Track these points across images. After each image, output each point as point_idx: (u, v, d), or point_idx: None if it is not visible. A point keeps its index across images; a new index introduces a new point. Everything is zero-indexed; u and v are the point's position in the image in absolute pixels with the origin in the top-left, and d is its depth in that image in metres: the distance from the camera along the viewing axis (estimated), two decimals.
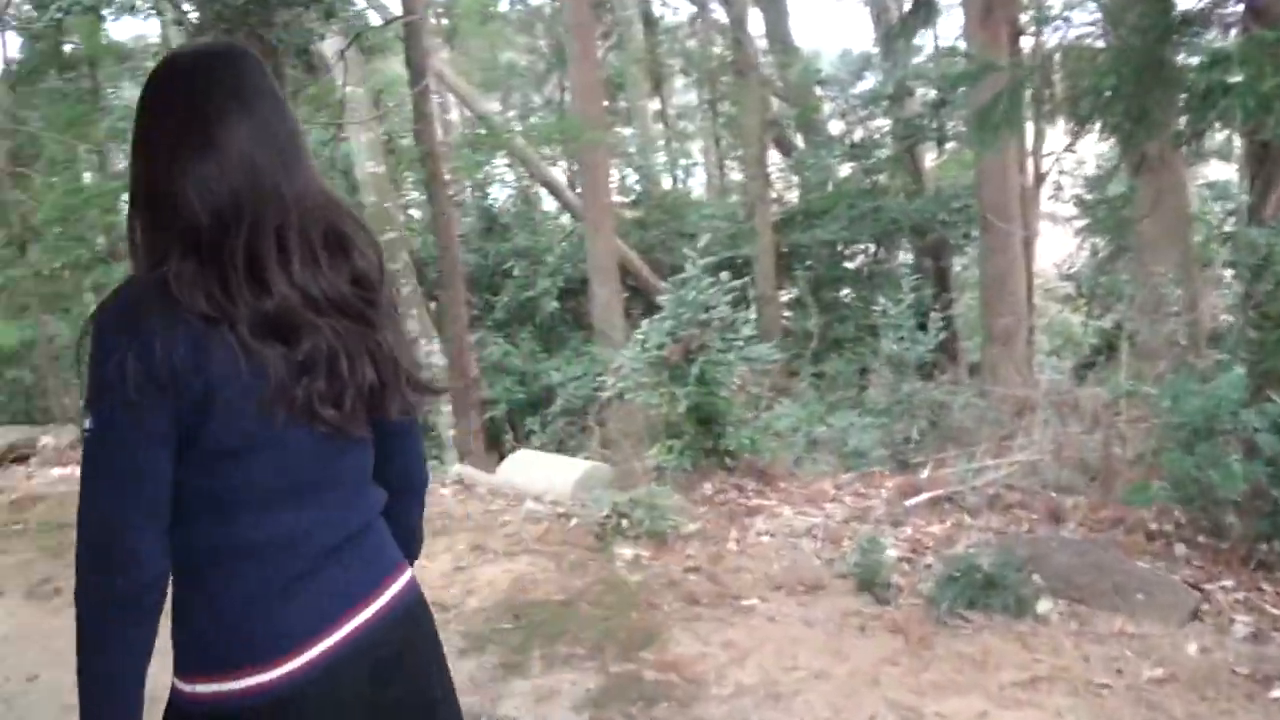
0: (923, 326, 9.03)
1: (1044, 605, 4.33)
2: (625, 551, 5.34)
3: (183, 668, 1.65)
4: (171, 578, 1.63)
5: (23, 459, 9.55)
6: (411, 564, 2.01)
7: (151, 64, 11.58)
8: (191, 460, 1.60)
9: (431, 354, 12.96)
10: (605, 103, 20.05)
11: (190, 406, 1.56)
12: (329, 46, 11.25)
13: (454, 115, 21.48)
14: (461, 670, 4.29)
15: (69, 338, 13.53)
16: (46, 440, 9.91)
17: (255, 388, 1.58)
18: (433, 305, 14.21)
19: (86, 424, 1.58)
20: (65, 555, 6.66)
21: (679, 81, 26.06)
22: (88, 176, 13.46)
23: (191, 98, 1.67)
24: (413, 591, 1.86)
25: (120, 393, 1.52)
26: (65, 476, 8.81)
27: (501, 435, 12.43)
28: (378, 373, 1.70)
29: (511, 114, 21.80)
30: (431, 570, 5.34)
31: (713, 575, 4.98)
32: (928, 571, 4.75)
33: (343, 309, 1.67)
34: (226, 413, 1.58)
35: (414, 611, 1.85)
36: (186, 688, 1.65)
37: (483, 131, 14.12)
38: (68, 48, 13.87)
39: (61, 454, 9.58)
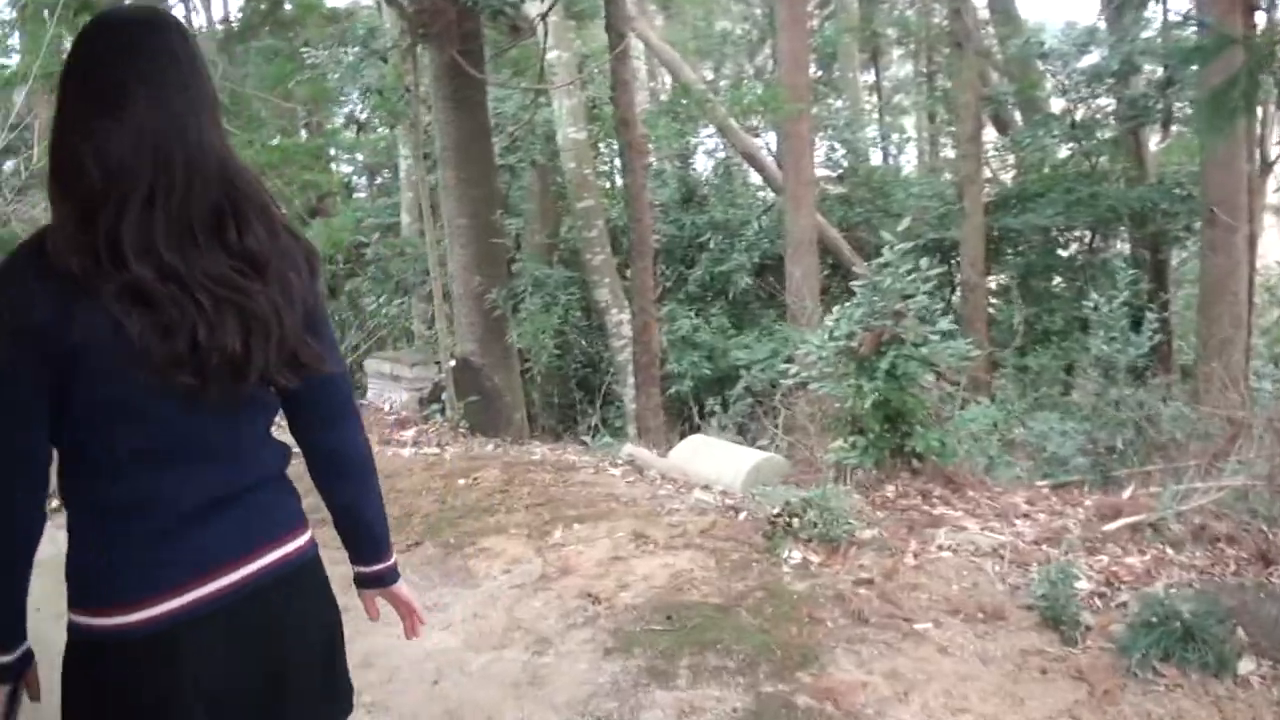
0: (1136, 326, 8.43)
1: (1245, 665, 3.82)
2: (793, 555, 5.04)
3: (69, 596, 1.81)
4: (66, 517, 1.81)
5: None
6: (378, 550, 2.17)
7: (359, 28, 11.70)
8: (64, 422, 1.72)
9: (621, 324, 12.82)
10: (818, 73, 19.59)
11: (56, 367, 1.67)
12: (534, 9, 11.16)
13: (667, 82, 21.28)
14: (605, 672, 4.09)
15: None
16: None
17: (118, 351, 1.65)
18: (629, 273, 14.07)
19: None
20: None
21: (895, 52, 25.39)
22: (303, 134, 13.75)
23: (102, 65, 1.74)
24: (290, 563, 1.94)
25: None
26: None
27: (687, 411, 12.20)
28: (245, 343, 1.73)
29: (723, 83, 21.46)
30: (587, 558, 5.17)
31: (884, 591, 4.63)
32: (1121, 611, 4.29)
33: (218, 282, 1.71)
34: (90, 375, 1.68)
35: (288, 582, 1.93)
36: (70, 614, 1.80)
37: (683, 101, 13.86)
38: (288, 7, 14.23)
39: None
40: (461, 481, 6.62)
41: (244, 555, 1.86)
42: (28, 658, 1.86)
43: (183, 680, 1.78)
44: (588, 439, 9.45)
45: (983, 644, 4.15)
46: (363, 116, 14.20)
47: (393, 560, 2.21)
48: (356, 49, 11.41)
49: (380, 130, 15.43)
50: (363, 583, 2.20)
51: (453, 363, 8.92)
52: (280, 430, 2.03)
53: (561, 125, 13.63)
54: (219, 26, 16.54)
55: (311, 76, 12.13)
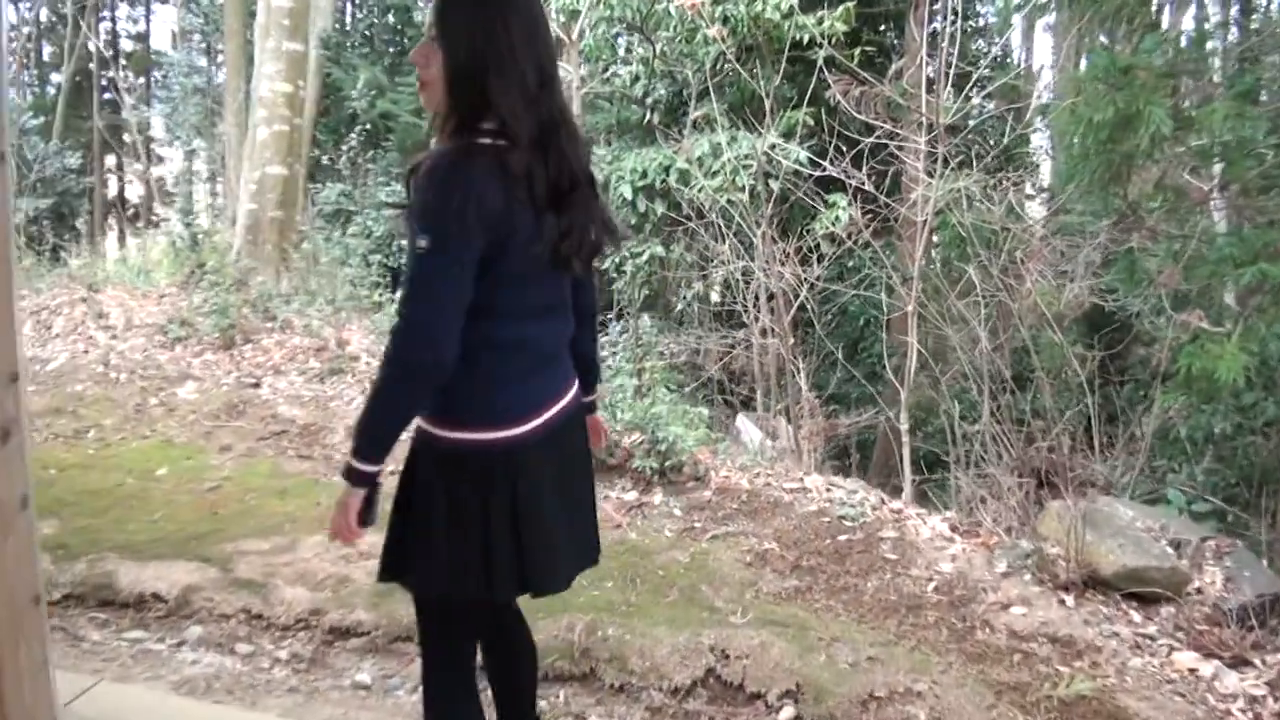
0: None
1: None
2: None
3: (442, 418, 2.46)
4: None
5: (1139, 599, 5.02)
6: (594, 385, 2.99)
7: None
8: (484, 282, 2.33)
9: None
10: None
11: (492, 245, 2.30)
12: None
13: None
14: None
15: None
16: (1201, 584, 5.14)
17: (535, 240, 2.36)
18: None
19: (421, 243, 2.24)
20: None
21: None
22: None
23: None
24: (578, 397, 2.71)
25: (454, 226, 2.25)
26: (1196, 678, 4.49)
27: None
28: (598, 237, 2.54)
29: None
30: None
31: None
32: None
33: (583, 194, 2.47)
34: (514, 254, 2.35)
35: (577, 411, 2.70)
36: (438, 431, 2.46)
37: None
38: None
39: (1196, 633, 4.89)
40: None
41: (568, 386, 2.64)
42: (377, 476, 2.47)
43: (521, 476, 2.45)
44: None
45: None
46: None
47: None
48: None
49: None
50: None
51: None
52: None
53: None
54: None
55: None
